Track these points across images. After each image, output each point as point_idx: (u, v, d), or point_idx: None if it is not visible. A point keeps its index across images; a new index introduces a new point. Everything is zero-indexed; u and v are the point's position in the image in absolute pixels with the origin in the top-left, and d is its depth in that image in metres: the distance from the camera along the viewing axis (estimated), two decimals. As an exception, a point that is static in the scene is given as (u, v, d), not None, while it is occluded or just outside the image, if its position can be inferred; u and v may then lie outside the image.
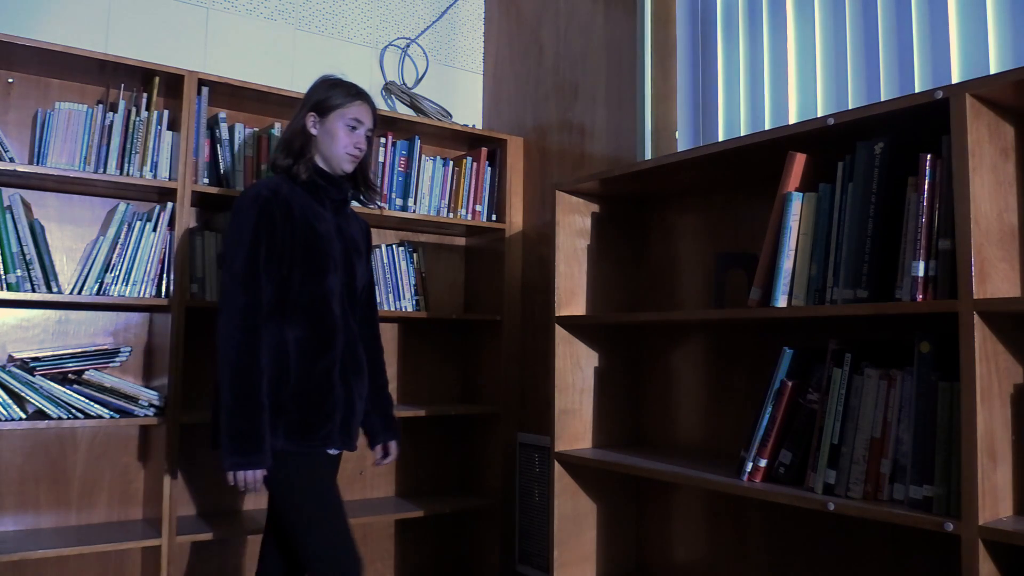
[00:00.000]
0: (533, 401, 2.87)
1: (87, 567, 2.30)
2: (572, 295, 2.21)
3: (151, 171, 2.28)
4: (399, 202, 2.72)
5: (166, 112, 2.33)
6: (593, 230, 2.28)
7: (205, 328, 2.53)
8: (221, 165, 2.40)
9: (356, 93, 1.96)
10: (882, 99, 1.80)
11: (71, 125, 2.18)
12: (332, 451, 1.88)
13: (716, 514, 2.11)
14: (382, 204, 2.10)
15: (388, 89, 2.97)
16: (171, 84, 2.33)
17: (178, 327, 2.22)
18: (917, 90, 1.80)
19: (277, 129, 2.54)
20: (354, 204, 2.15)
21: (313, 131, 1.93)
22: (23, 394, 2.06)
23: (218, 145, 2.40)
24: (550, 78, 2.90)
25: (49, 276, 2.12)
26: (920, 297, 1.39)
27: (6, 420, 2.03)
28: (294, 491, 1.79)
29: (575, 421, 2.20)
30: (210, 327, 2.53)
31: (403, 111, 2.95)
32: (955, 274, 1.34)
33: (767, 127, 2.15)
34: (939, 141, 1.41)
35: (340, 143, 1.92)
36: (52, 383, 2.09)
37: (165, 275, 2.26)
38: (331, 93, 1.94)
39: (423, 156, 2.79)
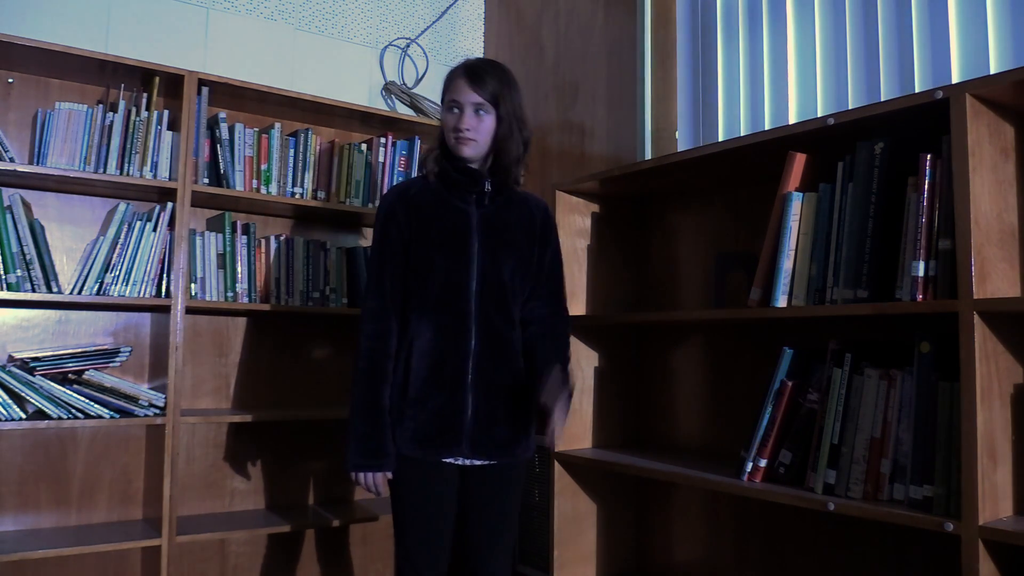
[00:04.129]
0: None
1: (87, 567, 2.30)
2: (572, 295, 2.21)
3: (151, 171, 2.27)
4: (399, 202, 2.72)
5: (166, 112, 2.33)
6: (593, 230, 2.28)
7: (206, 328, 2.54)
8: (221, 165, 2.40)
9: (454, 70, 1.82)
10: (882, 99, 1.80)
11: (71, 125, 2.18)
12: (458, 461, 1.77)
13: (716, 514, 2.11)
14: (518, 186, 1.90)
15: (388, 89, 2.97)
16: (171, 84, 2.33)
17: (178, 327, 2.22)
18: (917, 90, 1.80)
19: (277, 129, 2.54)
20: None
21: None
22: (23, 394, 2.06)
23: (218, 145, 2.40)
24: (550, 78, 2.90)
25: (49, 276, 2.12)
26: (920, 297, 1.39)
27: (6, 420, 2.03)
28: (399, 499, 1.78)
29: (575, 421, 2.19)
30: (211, 327, 2.55)
31: (403, 111, 2.95)
32: (955, 274, 1.34)
33: (767, 127, 2.15)
34: (939, 141, 1.41)
35: (447, 129, 1.80)
36: (52, 383, 2.09)
37: (165, 275, 2.25)
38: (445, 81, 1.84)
39: (423, 156, 2.79)
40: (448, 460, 1.77)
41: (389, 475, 1.75)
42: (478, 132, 1.77)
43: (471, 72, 1.78)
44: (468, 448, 1.76)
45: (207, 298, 2.36)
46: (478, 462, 1.79)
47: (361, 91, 2.95)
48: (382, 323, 1.77)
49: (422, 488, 1.77)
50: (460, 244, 1.79)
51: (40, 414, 2.08)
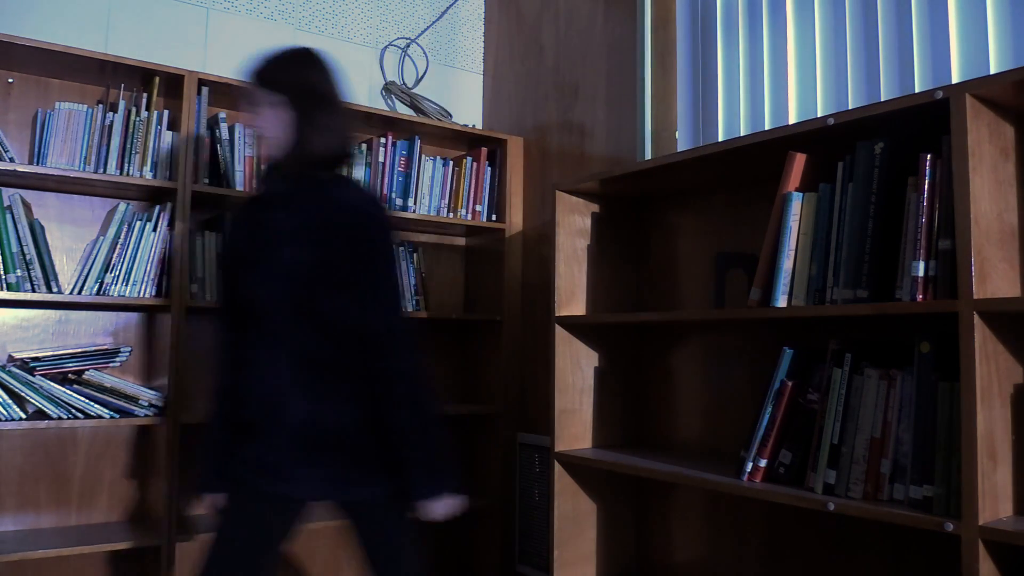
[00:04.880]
0: (533, 401, 2.87)
1: (87, 567, 2.30)
2: (572, 295, 2.21)
3: (151, 171, 2.28)
4: (399, 202, 2.72)
5: (166, 112, 2.33)
6: (593, 230, 2.28)
7: (206, 328, 2.54)
8: (221, 165, 2.40)
9: None
10: (882, 99, 1.80)
11: (71, 125, 2.18)
12: (293, 495, 1.60)
13: (716, 514, 2.11)
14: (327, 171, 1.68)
15: (388, 89, 2.97)
16: (171, 84, 2.33)
17: (178, 327, 2.22)
18: (917, 90, 1.80)
19: (277, 129, 2.54)
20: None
21: None
22: (23, 394, 2.06)
23: (218, 145, 2.40)
24: (550, 78, 2.90)
25: (49, 276, 2.12)
26: (920, 297, 1.39)
27: (6, 420, 2.03)
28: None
29: (575, 421, 2.19)
30: (211, 327, 2.55)
31: (403, 111, 2.95)
32: (955, 274, 1.34)
33: (767, 127, 2.15)
34: (939, 141, 1.41)
35: None
36: (52, 383, 2.09)
37: (165, 275, 2.26)
38: None
39: (423, 156, 2.79)
40: (271, 492, 1.59)
41: (210, 498, 1.71)
42: (265, 127, 1.63)
43: (249, 70, 1.65)
44: (287, 486, 1.58)
45: (207, 298, 2.36)
46: (312, 499, 1.63)
47: (361, 91, 2.95)
48: (223, 353, 1.74)
49: (230, 517, 1.63)
50: (251, 262, 1.62)
51: (40, 414, 2.08)
